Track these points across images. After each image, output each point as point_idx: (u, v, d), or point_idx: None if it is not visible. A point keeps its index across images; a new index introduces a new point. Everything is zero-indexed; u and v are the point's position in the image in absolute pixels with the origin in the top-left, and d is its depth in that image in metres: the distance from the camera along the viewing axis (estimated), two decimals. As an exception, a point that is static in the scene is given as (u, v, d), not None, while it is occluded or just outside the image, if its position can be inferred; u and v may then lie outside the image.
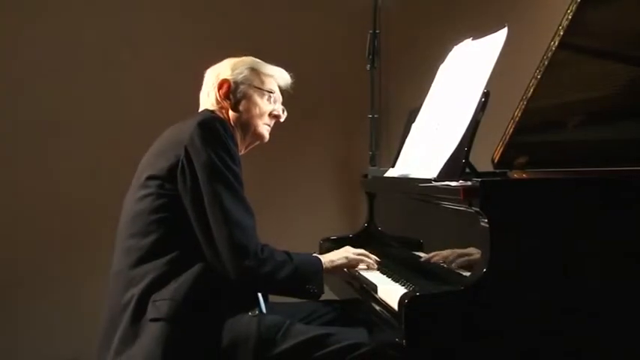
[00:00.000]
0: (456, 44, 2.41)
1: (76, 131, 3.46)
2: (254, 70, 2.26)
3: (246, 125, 2.25)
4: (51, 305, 3.42)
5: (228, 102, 2.23)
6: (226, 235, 1.96)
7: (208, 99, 2.25)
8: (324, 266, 2.16)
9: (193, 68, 2.31)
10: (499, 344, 1.79)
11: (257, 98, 2.26)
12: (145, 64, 3.48)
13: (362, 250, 2.36)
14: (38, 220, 3.42)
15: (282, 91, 2.34)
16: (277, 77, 2.31)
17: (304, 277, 2.09)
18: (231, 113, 2.23)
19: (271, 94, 2.29)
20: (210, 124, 2.04)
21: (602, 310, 1.83)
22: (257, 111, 2.25)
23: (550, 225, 1.83)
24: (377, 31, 2.90)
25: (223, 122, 2.08)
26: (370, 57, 2.90)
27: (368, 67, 2.91)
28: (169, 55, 3.48)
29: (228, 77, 2.23)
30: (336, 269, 2.24)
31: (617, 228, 1.85)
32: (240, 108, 2.24)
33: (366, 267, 2.31)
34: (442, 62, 2.48)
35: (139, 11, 3.51)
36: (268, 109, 2.28)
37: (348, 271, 2.30)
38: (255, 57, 2.31)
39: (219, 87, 2.23)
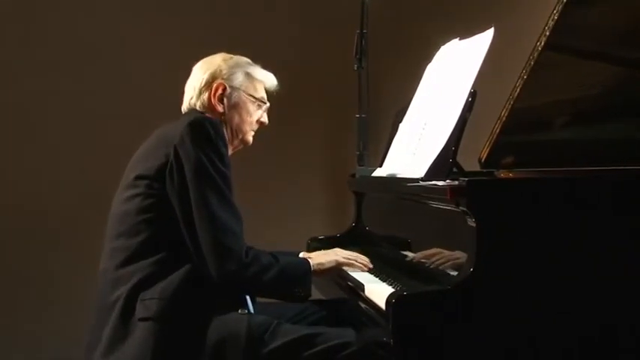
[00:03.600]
0: (443, 44, 2.42)
1: (65, 130, 3.46)
2: (248, 76, 2.26)
3: (236, 131, 2.25)
4: (40, 305, 3.41)
5: (222, 105, 2.23)
6: (210, 238, 1.96)
7: (199, 99, 2.24)
8: (312, 269, 2.14)
9: (183, 68, 2.31)
10: (486, 343, 1.80)
11: (250, 106, 2.26)
12: (134, 64, 3.48)
13: (353, 253, 2.33)
14: (26, 220, 3.41)
15: (268, 92, 2.34)
16: (266, 82, 2.32)
17: (291, 280, 2.08)
18: (222, 116, 2.22)
19: (262, 104, 2.30)
20: (201, 124, 2.03)
21: (590, 310, 1.84)
22: (248, 118, 2.27)
23: (537, 224, 1.84)
24: (364, 31, 2.90)
25: (214, 123, 2.07)
26: (358, 57, 2.89)
27: (355, 67, 2.91)
28: (159, 54, 3.48)
29: (224, 81, 2.22)
30: (325, 272, 2.23)
31: (605, 227, 1.86)
32: (233, 113, 2.24)
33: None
34: (429, 62, 2.48)
35: (129, 10, 3.50)
36: (257, 116, 2.29)
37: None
38: (244, 57, 2.31)
39: (215, 90, 2.22)
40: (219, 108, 2.22)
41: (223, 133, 2.09)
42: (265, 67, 2.34)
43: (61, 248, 3.42)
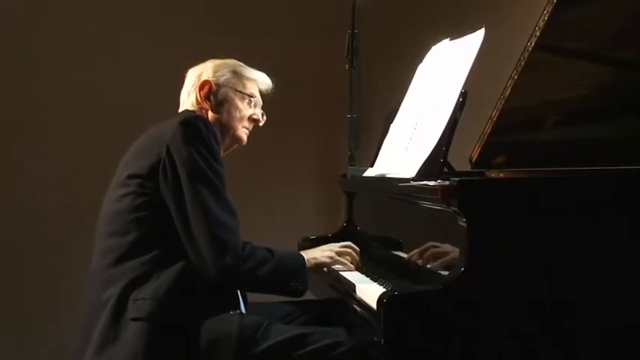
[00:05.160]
0: (434, 44, 2.43)
1: (58, 130, 3.44)
2: (236, 73, 2.26)
3: (226, 128, 2.24)
4: (32, 303, 3.40)
5: (209, 103, 2.23)
6: (206, 233, 1.95)
7: (188, 99, 2.25)
8: (307, 263, 2.16)
9: (175, 68, 2.31)
10: (477, 343, 1.80)
11: (238, 101, 2.26)
12: (127, 64, 3.46)
13: (346, 243, 2.35)
14: (25, 220, 3.40)
15: (262, 93, 2.34)
16: (259, 81, 2.31)
17: (287, 274, 2.08)
18: (210, 114, 2.23)
19: (252, 98, 2.29)
20: (193, 123, 2.03)
21: (579, 310, 1.85)
22: (237, 114, 2.25)
23: (528, 224, 1.85)
24: (356, 31, 2.91)
25: (206, 121, 2.08)
26: (349, 57, 2.91)
27: (347, 67, 2.92)
28: (151, 55, 3.47)
29: (210, 79, 2.23)
30: (320, 267, 2.25)
31: (596, 227, 1.87)
32: (220, 110, 2.23)
33: (346, 269, 2.30)
34: (420, 62, 2.49)
35: (122, 10, 3.49)
36: (248, 113, 2.29)
37: (327, 271, 2.30)
38: (234, 58, 2.31)
39: (200, 88, 2.22)
40: (206, 105, 2.22)
41: (215, 131, 2.08)
42: (256, 67, 2.33)
43: (61, 248, 3.40)
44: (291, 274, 2.09)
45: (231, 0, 3.61)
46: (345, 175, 2.86)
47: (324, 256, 2.25)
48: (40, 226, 3.41)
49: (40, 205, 3.42)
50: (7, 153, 3.41)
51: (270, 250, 2.07)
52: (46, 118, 3.43)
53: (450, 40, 2.32)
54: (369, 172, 2.54)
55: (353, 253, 2.33)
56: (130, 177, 2.03)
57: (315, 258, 2.23)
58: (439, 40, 2.39)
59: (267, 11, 3.62)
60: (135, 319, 1.92)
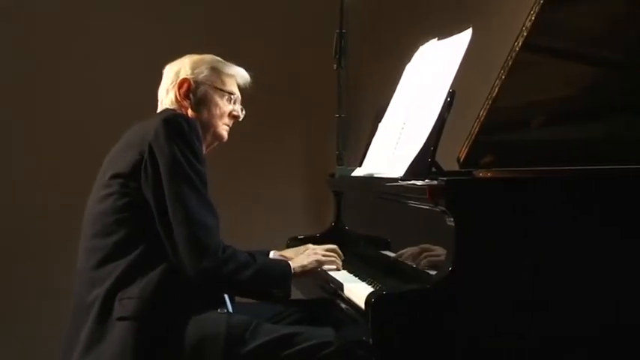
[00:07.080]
0: (422, 44, 2.43)
1: (57, 130, 3.45)
2: (215, 70, 2.24)
3: (206, 125, 2.22)
4: (32, 303, 3.41)
5: (188, 101, 2.21)
6: (186, 233, 1.94)
7: (167, 97, 2.23)
8: (293, 271, 2.14)
9: (156, 66, 2.30)
10: (465, 342, 1.81)
11: (217, 99, 2.24)
12: (127, 64, 3.46)
13: (330, 246, 2.33)
14: (23, 219, 3.42)
15: (244, 90, 2.33)
16: (237, 77, 2.29)
17: (269, 281, 2.07)
18: (190, 112, 2.20)
19: (232, 95, 2.27)
20: (176, 121, 2.02)
21: (567, 310, 1.85)
22: (217, 111, 2.24)
23: (515, 224, 1.85)
24: (344, 31, 2.91)
25: (188, 120, 2.07)
26: (337, 57, 2.90)
27: (335, 66, 2.92)
28: (151, 55, 3.43)
29: (189, 76, 2.21)
30: (307, 273, 2.21)
31: (584, 226, 1.87)
32: (200, 108, 2.21)
33: (335, 268, 2.30)
34: (408, 62, 2.50)
35: (121, 11, 3.50)
36: (228, 109, 2.27)
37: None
38: (221, 56, 2.30)
39: (179, 86, 2.20)
40: (186, 103, 2.20)
41: (197, 129, 2.07)
42: (244, 67, 2.32)
43: (61, 248, 3.40)
44: (272, 281, 2.08)
45: (227, 1, 3.62)
46: (333, 175, 2.85)
47: (311, 262, 2.21)
48: (40, 226, 3.42)
49: (40, 205, 3.43)
50: (7, 153, 3.42)
51: (252, 255, 2.06)
52: (46, 118, 3.45)
53: (438, 39, 2.33)
54: (358, 172, 2.54)
55: (337, 258, 2.30)
56: (113, 177, 2.03)
57: (302, 266, 2.18)
58: (427, 40, 2.40)
59: (256, 11, 3.62)
60: (121, 319, 1.92)
